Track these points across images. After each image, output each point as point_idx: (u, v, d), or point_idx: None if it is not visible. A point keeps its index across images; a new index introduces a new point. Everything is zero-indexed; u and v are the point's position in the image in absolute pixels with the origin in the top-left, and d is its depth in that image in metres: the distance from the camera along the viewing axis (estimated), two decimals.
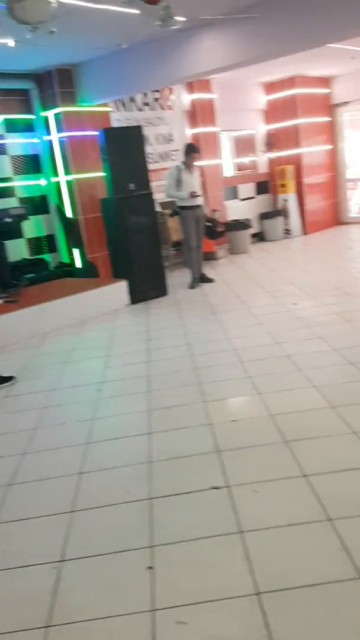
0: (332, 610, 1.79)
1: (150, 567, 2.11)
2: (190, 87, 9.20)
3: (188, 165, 7.22)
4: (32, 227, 7.62)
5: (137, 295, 6.87)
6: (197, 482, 2.65)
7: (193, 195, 7.14)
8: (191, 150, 7.25)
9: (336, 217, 11.88)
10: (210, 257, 9.18)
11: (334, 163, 11.63)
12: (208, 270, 8.01)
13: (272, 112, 10.85)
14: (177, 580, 2.03)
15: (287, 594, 1.88)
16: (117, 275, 7.04)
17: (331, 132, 11.46)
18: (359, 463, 2.62)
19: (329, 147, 11.47)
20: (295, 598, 1.86)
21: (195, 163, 7.32)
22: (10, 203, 7.30)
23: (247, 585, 1.94)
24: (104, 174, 6.99)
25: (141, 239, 6.90)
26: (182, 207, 7.25)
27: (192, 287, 7.38)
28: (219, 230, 8.77)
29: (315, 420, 3.15)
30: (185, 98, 9.29)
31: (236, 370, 4.14)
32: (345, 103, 11.23)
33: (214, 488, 2.57)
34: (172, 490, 2.62)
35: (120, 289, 6.80)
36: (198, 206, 7.32)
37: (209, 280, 7.55)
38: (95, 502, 2.61)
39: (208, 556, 2.14)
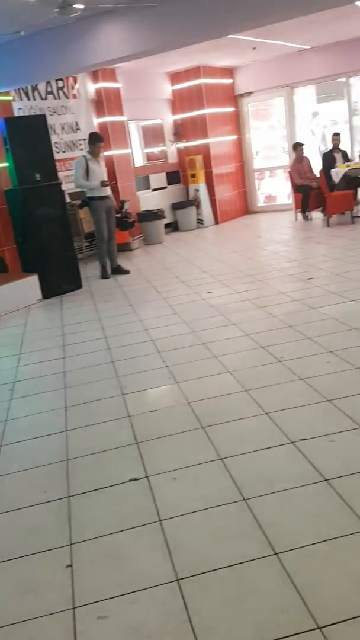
0: (248, 587, 1.86)
1: (69, 565, 2.09)
2: (95, 75, 9.05)
3: (94, 154, 7.13)
4: None
5: (50, 290, 6.71)
6: (116, 475, 2.64)
7: (104, 184, 7.07)
8: (95, 139, 7.17)
9: (246, 207, 12.20)
10: (125, 248, 9.14)
11: (240, 153, 11.91)
12: (123, 262, 7.97)
13: (179, 102, 10.92)
14: (97, 576, 2.02)
15: (205, 577, 1.92)
16: (27, 269, 6.82)
17: (237, 123, 11.72)
18: (270, 442, 2.73)
19: (235, 137, 11.72)
20: (212, 580, 1.91)
21: (101, 152, 7.26)
22: None
23: (167, 573, 1.97)
24: (7, 165, 6.73)
25: (51, 231, 6.73)
26: (92, 198, 7.16)
27: (103, 277, 7.36)
28: (130, 221, 8.75)
29: (230, 404, 3.23)
30: (90, 87, 9.12)
31: (154, 360, 4.15)
32: (249, 94, 11.52)
33: (133, 480, 2.58)
34: (91, 485, 2.59)
35: (31, 284, 6.60)
36: (107, 196, 7.26)
37: (125, 272, 7.52)
38: (10, 506, 2.54)
39: (128, 548, 2.15)
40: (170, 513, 2.29)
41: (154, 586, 1.92)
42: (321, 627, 1.64)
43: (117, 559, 2.09)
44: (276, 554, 1.98)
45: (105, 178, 7.25)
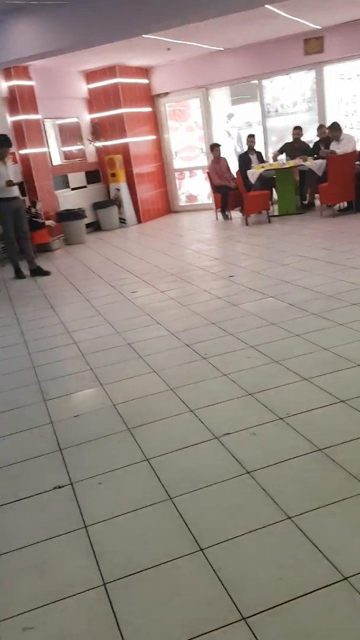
0: (175, 585, 1.88)
1: None
2: (7, 73, 8.77)
3: (0, 157, 6.98)
4: None
5: None
6: (39, 484, 2.58)
7: (9, 184, 6.93)
8: (1, 145, 7.01)
9: (168, 206, 12.29)
10: (45, 248, 8.94)
11: (160, 153, 11.97)
12: (43, 263, 7.79)
13: (95, 101, 10.81)
14: (22, 587, 1.97)
15: (131, 579, 1.92)
16: None
17: (155, 123, 11.77)
18: (195, 439, 2.77)
19: (154, 137, 11.77)
20: (139, 581, 1.91)
21: (7, 155, 7.14)
22: None
23: (94, 578, 1.95)
24: None
25: None
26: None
27: (18, 277, 7.30)
28: (40, 222, 8.60)
29: (156, 404, 3.25)
30: (2, 85, 8.83)
31: (77, 364, 4.10)
32: (165, 94, 11.60)
33: (57, 487, 2.53)
34: (14, 496, 2.52)
35: None
36: (15, 197, 7.14)
37: (45, 273, 7.37)
38: None
39: (53, 556, 2.11)
40: (96, 518, 2.28)
41: (81, 592, 1.90)
42: (245, 618, 1.69)
43: (42, 569, 2.05)
44: (201, 549, 2.01)
45: (12, 179, 7.10)
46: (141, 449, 2.75)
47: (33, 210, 8.62)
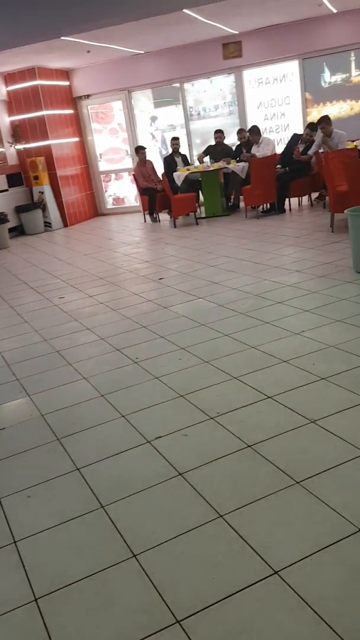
0: (108, 595, 1.85)
1: None
2: None
3: None
4: None
5: None
6: None
7: None
8: None
9: (95, 209, 12.17)
10: None
11: (84, 155, 11.84)
12: None
13: (15, 103, 10.53)
14: None
15: (64, 592, 1.88)
16: None
17: (77, 125, 11.63)
18: (127, 444, 2.75)
19: (77, 139, 11.62)
20: (72, 593, 1.87)
21: None
22: None
23: (25, 594, 1.89)
24: None
25: None
26: None
27: None
28: None
29: (86, 412, 3.20)
30: None
31: (3, 374, 3.96)
32: (87, 96, 11.48)
33: None
34: None
35: None
36: None
37: None
38: None
39: None
40: (25, 533, 2.21)
41: (12, 609, 1.83)
42: (180, 621, 1.69)
43: None
44: (135, 555, 2.00)
45: None
46: (71, 459, 2.70)
47: None
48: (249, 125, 10.06)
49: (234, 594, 1.76)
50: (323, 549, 1.87)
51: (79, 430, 2.98)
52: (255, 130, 9.28)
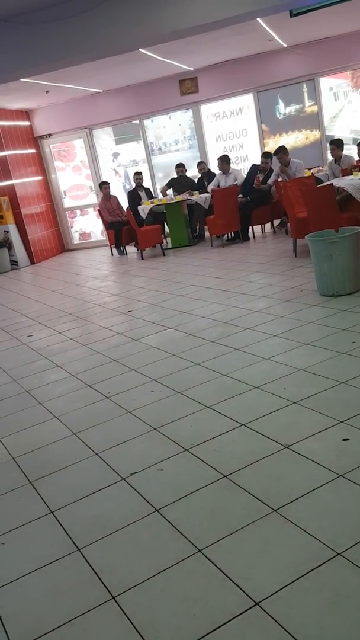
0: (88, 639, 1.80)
1: None
2: None
3: None
4: None
5: None
6: None
7: None
8: None
9: (61, 245, 12.18)
10: None
11: (49, 193, 11.90)
12: None
13: None
14: None
15: None
16: None
17: (40, 164, 11.72)
18: (101, 483, 2.71)
19: (41, 177, 11.70)
20: None
21: None
22: None
23: None
24: None
25: None
26: None
27: None
28: None
29: (59, 452, 3.14)
30: None
31: None
32: (48, 135, 11.62)
33: None
34: None
35: None
36: None
37: None
38: None
39: None
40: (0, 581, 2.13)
41: None
42: None
43: None
44: (113, 597, 1.95)
45: None
46: (45, 502, 2.64)
47: None
48: (210, 158, 10.31)
49: (215, 629, 1.73)
50: (302, 576, 1.86)
51: (52, 471, 2.92)
52: (226, 159, 9.34)
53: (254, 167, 9.25)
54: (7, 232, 10.58)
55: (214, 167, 9.85)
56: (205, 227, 9.62)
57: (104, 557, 2.17)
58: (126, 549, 2.21)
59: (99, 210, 10.48)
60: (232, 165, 9.63)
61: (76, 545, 2.27)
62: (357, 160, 7.95)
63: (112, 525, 2.35)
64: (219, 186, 9.32)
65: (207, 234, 9.67)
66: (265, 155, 9.00)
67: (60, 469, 2.93)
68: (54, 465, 2.98)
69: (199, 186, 9.88)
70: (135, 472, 2.73)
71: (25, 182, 11.04)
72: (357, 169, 7.51)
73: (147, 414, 3.39)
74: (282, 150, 8.42)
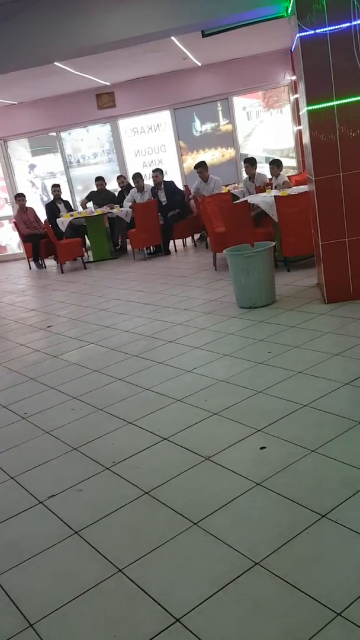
0: None
1: None
2: None
3: None
4: None
5: None
6: None
7: None
8: None
9: None
10: None
11: None
12: None
13: None
14: None
15: None
16: None
17: None
18: (17, 508, 2.60)
19: None
20: None
21: None
22: None
23: None
24: None
25: None
26: None
27: None
28: None
29: None
30: None
31: None
32: None
33: None
34: None
35: None
36: None
37: None
38: None
39: None
40: None
41: None
42: None
43: None
44: (31, 625, 1.87)
45: None
46: None
47: None
48: (130, 172, 10.33)
49: None
50: (222, 588, 1.88)
51: None
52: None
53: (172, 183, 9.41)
54: None
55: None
56: (127, 240, 9.62)
57: (21, 584, 2.08)
58: (44, 574, 2.13)
59: (14, 222, 10.19)
60: (147, 182, 9.68)
61: None
62: (269, 179, 8.27)
63: (29, 550, 2.26)
64: (134, 202, 9.35)
65: (129, 247, 9.67)
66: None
67: None
68: None
69: (120, 199, 9.88)
70: (54, 495, 2.65)
71: None
72: (269, 186, 7.82)
73: (66, 434, 3.31)
74: (202, 165, 8.61)
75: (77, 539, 2.29)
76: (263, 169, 9.05)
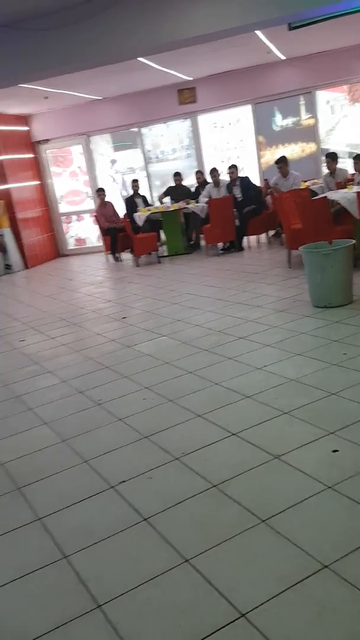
0: None
1: None
2: None
3: None
4: None
5: None
6: None
7: None
8: None
9: (56, 250, 12.18)
10: None
11: (44, 198, 11.91)
12: None
13: None
14: None
15: None
16: None
17: (37, 169, 11.73)
18: (89, 491, 2.69)
19: (37, 182, 11.71)
20: None
21: None
22: None
23: None
24: None
25: None
26: None
27: None
28: None
29: (47, 458, 3.13)
30: None
31: None
32: (46, 141, 11.64)
33: None
34: None
35: None
36: None
37: None
38: None
39: None
40: None
41: None
42: None
43: None
44: (99, 606, 1.94)
45: None
46: (32, 509, 2.62)
47: None
48: (207, 168, 10.34)
49: None
50: (289, 588, 1.86)
51: (40, 478, 2.90)
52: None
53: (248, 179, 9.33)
54: (2, 236, 10.57)
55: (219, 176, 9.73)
56: (202, 236, 9.64)
57: (91, 566, 2.16)
58: (113, 557, 2.19)
59: (95, 216, 10.49)
60: (224, 177, 9.64)
61: (62, 553, 2.25)
62: (351, 174, 8.00)
63: (100, 534, 2.34)
64: (210, 197, 9.34)
65: (202, 242, 9.70)
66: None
67: (48, 475, 2.92)
68: (42, 472, 2.96)
69: (196, 195, 9.91)
70: (124, 481, 2.72)
71: (21, 186, 11.05)
72: (351, 182, 7.56)
73: (138, 422, 3.38)
74: (282, 160, 8.46)
75: (145, 525, 2.34)
76: (345, 164, 8.76)
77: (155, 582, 2.01)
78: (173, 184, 10.23)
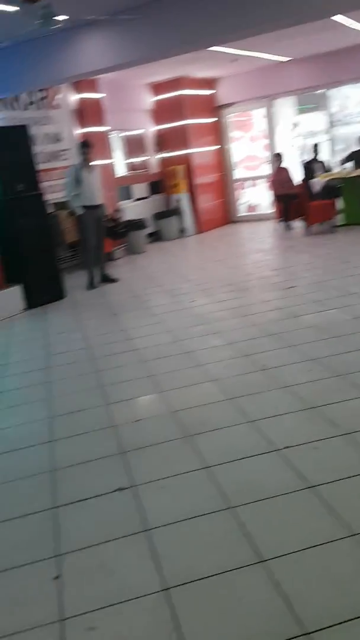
0: (234, 596, 1.88)
1: (57, 577, 2.08)
2: (77, 86, 9.09)
3: (85, 162, 7.17)
4: None
5: (34, 300, 6.68)
6: (102, 485, 2.64)
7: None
8: (83, 146, 7.22)
9: (227, 216, 12.31)
10: (108, 257, 9.15)
11: (221, 163, 12.03)
12: (108, 271, 7.98)
13: (160, 112, 11.00)
14: (85, 587, 2.02)
15: (192, 586, 1.93)
16: (11, 279, 6.79)
17: (217, 133, 11.84)
18: (254, 450, 2.75)
19: (216, 147, 11.85)
20: (200, 589, 1.92)
21: (91, 162, 7.27)
22: None
23: (155, 583, 1.98)
24: None
25: (34, 241, 6.72)
26: (83, 207, 7.17)
27: (89, 288, 7.31)
28: (121, 230, 8.80)
29: (214, 413, 3.25)
30: (72, 97, 9.15)
31: (138, 370, 4.16)
32: (229, 104, 11.65)
33: (119, 489, 2.58)
34: (77, 496, 2.59)
35: (14, 294, 6.57)
36: (98, 206, 7.28)
37: (113, 280, 7.52)
38: None
39: (116, 558, 2.15)
40: (157, 522, 2.30)
41: (142, 596, 1.93)
42: (309, 633, 1.67)
43: (105, 570, 2.09)
44: (262, 561, 2.00)
45: (99, 187, 7.28)
46: (200, 457, 2.76)
47: (115, 219, 8.82)
48: None
49: None
50: None
51: (207, 430, 3.04)
52: None
53: None
54: (179, 200, 10.96)
55: None
56: None
57: (254, 521, 2.22)
58: (277, 518, 2.24)
59: (271, 181, 10.35)
60: None
61: (228, 503, 2.35)
62: None
63: (264, 492, 2.39)
64: None
65: None
66: None
67: (214, 429, 3.04)
68: (208, 425, 3.10)
69: None
70: (289, 446, 2.73)
71: (201, 151, 11.28)
72: None
73: (303, 392, 3.34)
74: None
75: (311, 493, 2.34)
76: None
77: (319, 549, 2.00)
78: (357, 148, 9.62)
